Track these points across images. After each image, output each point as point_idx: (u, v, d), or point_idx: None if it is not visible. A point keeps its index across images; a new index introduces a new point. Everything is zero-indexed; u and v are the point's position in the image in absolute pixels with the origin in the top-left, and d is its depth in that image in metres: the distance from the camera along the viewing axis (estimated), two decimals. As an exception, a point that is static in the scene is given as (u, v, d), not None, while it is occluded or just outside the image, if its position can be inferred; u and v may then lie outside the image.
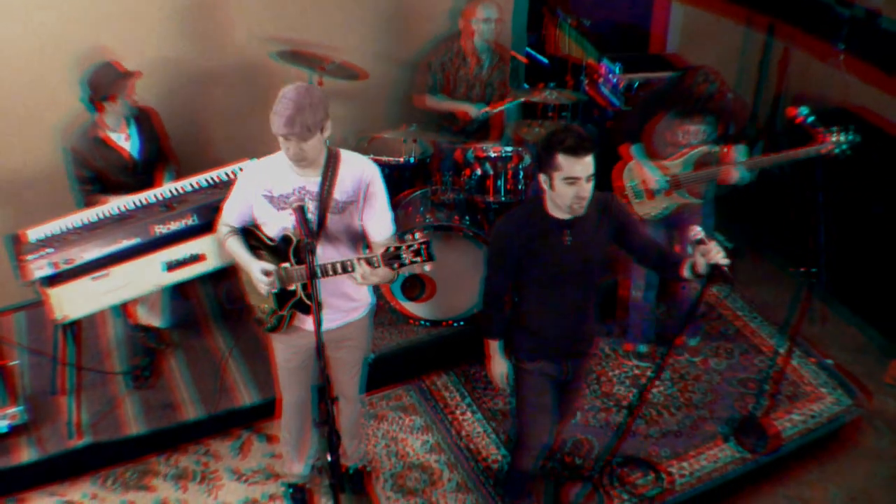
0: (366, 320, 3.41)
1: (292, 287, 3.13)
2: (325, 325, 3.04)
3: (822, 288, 3.99)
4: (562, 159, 2.91)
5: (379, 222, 3.16)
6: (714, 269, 2.89)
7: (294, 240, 3.04)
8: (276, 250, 3.11)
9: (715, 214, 4.53)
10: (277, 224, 3.08)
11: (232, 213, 3.19)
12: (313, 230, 3.03)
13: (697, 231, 2.98)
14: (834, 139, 3.75)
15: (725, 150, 4.10)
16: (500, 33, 4.98)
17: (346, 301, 3.26)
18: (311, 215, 3.04)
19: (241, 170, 3.92)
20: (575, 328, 3.28)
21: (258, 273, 3.05)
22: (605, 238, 3.16)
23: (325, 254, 3.10)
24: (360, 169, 3.10)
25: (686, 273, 3.01)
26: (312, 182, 3.04)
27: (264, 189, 3.06)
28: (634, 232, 3.20)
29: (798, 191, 4.13)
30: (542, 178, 3.01)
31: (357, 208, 3.12)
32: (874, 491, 4.00)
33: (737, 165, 4.03)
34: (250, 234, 3.20)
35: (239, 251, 3.16)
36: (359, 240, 3.22)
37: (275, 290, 3.13)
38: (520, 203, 4.62)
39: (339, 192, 3.07)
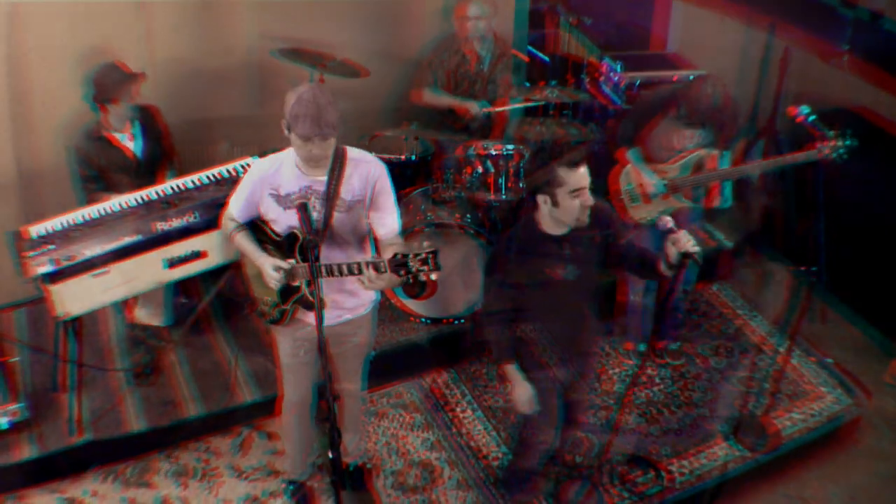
0: (369, 317, 3.42)
1: (296, 283, 3.14)
2: (328, 321, 3.05)
3: (823, 287, 3.99)
4: (564, 174, 3.00)
5: (385, 220, 3.17)
6: (684, 256, 2.95)
7: (300, 237, 3.05)
8: (282, 246, 3.12)
9: (704, 216, 4.54)
10: (284, 222, 3.09)
11: (238, 209, 3.20)
12: (318, 229, 3.04)
13: (667, 220, 3.05)
14: (831, 144, 3.76)
15: (710, 158, 4.11)
16: (489, 30, 4.95)
17: (350, 298, 3.27)
18: (318, 214, 3.04)
19: (244, 168, 3.92)
20: (576, 332, 3.32)
21: (271, 269, 3.06)
22: (600, 244, 3.22)
23: (331, 253, 3.11)
24: (367, 167, 3.10)
25: (663, 268, 3.06)
26: (319, 181, 3.04)
27: (271, 188, 3.07)
28: (619, 237, 3.27)
29: (799, 190, 4.14)
30: (541, 199, 3.07)
31: (364, 207, 3.12)
32: (874, 490, 4.00)
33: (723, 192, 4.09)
34: (257, 229, 3.22)
35: (248, 246, 3.18)
36: (365, 238, 3.23)
37: (281, 286, 3.14)
38: (517, 208, 4.64)
39: (346, 191, 3.07)
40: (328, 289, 3.12)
